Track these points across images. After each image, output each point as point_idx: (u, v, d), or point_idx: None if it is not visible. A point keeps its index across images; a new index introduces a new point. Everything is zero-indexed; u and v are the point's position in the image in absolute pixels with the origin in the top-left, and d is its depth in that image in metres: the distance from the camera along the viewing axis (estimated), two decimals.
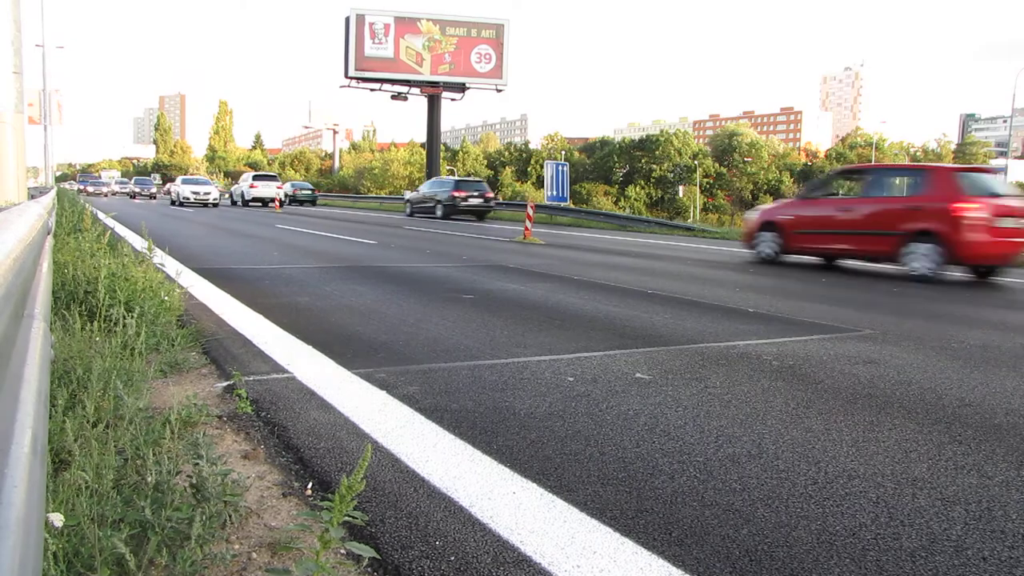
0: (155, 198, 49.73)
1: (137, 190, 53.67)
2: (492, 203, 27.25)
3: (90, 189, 55.53)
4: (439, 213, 26.18)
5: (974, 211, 9.42)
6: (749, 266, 11.17)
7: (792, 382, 3.80)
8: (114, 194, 57.83)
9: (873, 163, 18.75)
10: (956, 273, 10.17)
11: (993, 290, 9.22)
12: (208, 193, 34.62)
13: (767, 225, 11.86)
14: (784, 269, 10.69)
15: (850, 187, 11.95)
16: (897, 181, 11.17)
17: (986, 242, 9.45)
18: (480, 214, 26.51)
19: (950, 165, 13.15)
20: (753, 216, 12.47)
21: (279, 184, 37.48)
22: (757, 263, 11.49)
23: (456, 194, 26.15)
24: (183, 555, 1.75)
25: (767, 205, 13.61)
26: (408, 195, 30.64)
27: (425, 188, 28.82)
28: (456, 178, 31.05)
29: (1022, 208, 9.76)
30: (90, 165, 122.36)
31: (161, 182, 71.05)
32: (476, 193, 26.52)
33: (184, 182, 36.47)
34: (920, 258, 9.71)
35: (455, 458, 2.54)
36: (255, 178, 37.09)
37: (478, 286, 7.46)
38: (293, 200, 38.46)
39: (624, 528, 2.06)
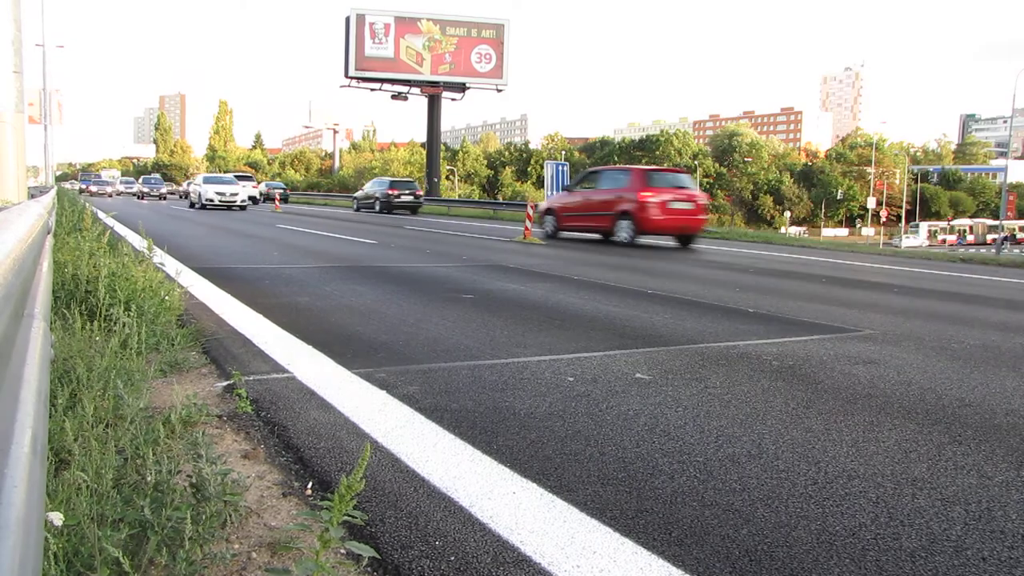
0: (165, 199, 45.74)
1: (145, 190, 48.71)
2: (421, 200, 32.41)
3: (93, 189, 50.63)
4: (377, 208, 31.18)
5: (651, 198, 13.89)
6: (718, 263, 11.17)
7: (792, 382, 3.80)
8: (119, 194, 52.98)
9: (604, 165, 28.57)
10: (663, 241, 14.84)
11: (688, 252, 13.56)
12: (236, 194, 29.55)
13: (548, 211, 16.62)
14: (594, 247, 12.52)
15: (591, 183, 16.18)
16: (614, 178, 15.51)
17: (661, 218, 13.90)
18: (412, 209, 31.38)
19: (644, 167, 17.71)
20: (542, 206, 17.42)
21: (254, 184, 43.10)
22: (620, 244, 14.25)
23: (391, 192, 31.28)
24: (183, 555, 1.75)
25: (552, 196, 18.63)
26: (356, 194, 35.83)
27: (368, 187, 34.12)
28: (391, 179, 35.49)
29: (689, 195, 14.36)
30: (90, 165, 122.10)
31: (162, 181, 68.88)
32: (408, 191, 31.85)
33: (207, 181, 31.29)
34: (623, 230, 14.17)
35: (455, 458, 2.54)
36: (237, 178, 39.88)
37: (478, 286, 7.46)
38: (267, 199, 42.86)
39: (624, 528, 2.06)
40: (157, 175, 65.57)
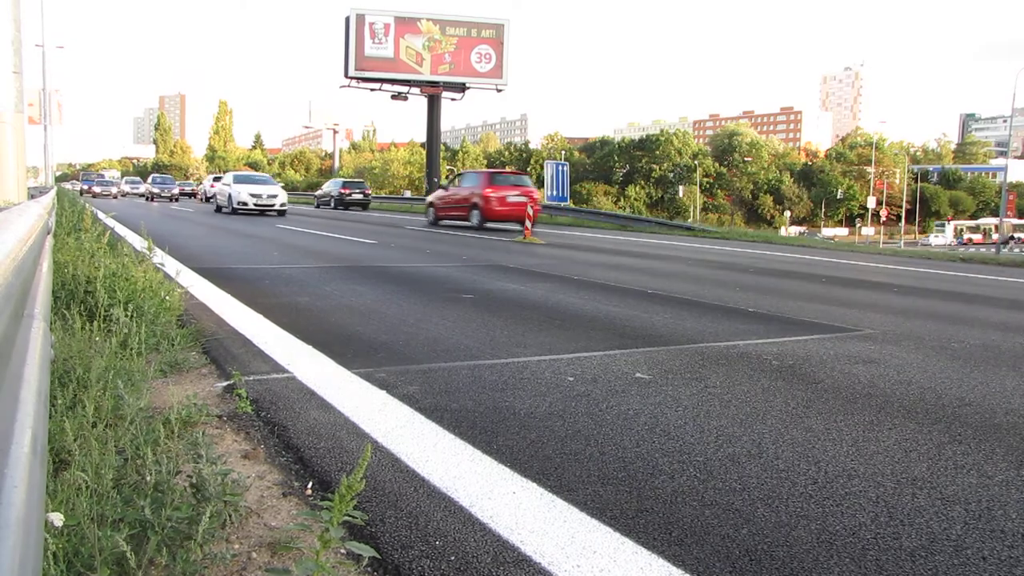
0: (177, 200, 41.06)
1: (156, 191, 42.78)
2: (370, 197, 36.25)
3: (96, 190, 46.13)
4: (332, 204, 34.49)
5: (493, 194, 18.55)
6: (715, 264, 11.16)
7: (792, 382, 3.80)
8: (124, 195, 47.91)
9: (467, 169, 32.91)
10: (507, 226, 19.00)
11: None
12: (275, 196, 24.56)
13: (430, 204, 21.63)
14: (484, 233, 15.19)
15: (457, 183, 21.01)
16: (471, 179, 20.32)
17: (500, 209, 18.45)
18: (363, 205, 34.70)
19: (491, 170, 23.59)
20: (426, 200, 22.88)
21: None
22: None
23: (343, 191, 34.72)
24: (183, 555, 1.75)
25: (433, 194, 22.51)
26: (316, 192, 40.09)
27: (325, 187, 37.90)
28: (344, 179, 39.95)
29: (525, 191, 18.60)
30: (90, 165, 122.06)
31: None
32: (358, 191, 35.41)
33: (239, 180, 26.04)
34: (474, 218, 18.94)
35: (455, 458, 2.54)
36: (214, 179, 41.83)
37: (478, 286, 7.46)
38: None
39: (624, 528, 2.06)
40: (168, 175, 59.52)
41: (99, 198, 40.04)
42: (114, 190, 47.89)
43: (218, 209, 26.11)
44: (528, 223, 15.88)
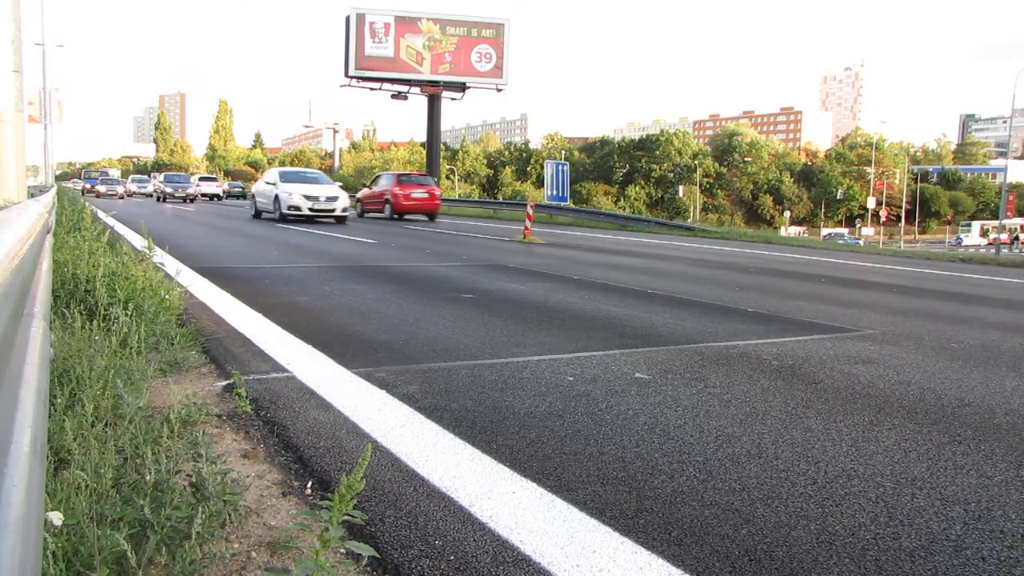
0: (193, 201, 36.94)
1: (169, 190, 37.60)
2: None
3: (101, 189, 42.03)
4: None
5: (400, 191, 23.24)
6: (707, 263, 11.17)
7: (791, 382, 3.80)
8: (131, 195, 43.74)
9: (385, 171, 38.05)
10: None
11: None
12: (334, 199, 19.54)
13: (358, 200, 25.25)
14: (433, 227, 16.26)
15: (376, 182, 25.52)
16: (385, 179, 24.90)
17: (407, 203, 23.23)
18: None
19: (400, 172, 29.54)
20: (357, 196, 25.77)
21: (218, 183, 47.69)
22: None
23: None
24: (182, 554, 1.75)
25: (362, 191, 26.20)
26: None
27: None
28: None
29: (428, 189, 23.83)
30: (90, 164, 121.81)
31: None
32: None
33: (288, 178, 20.41)
34: (386, 210, 23.55)
35: (455, 457, 2.54)
36: (201, 179, 44.43)
37: (478, 286, 7.46)
38: (229, 196, 47.15)
39: (623, 528, 2.06)
40: (183, 173, 53.67)
41: (103, 198, 37.20)
42: (120, 189, 43.47)
43: (257, 215, 20.91)
44: (528, 222, 15.89)
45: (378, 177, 26.39)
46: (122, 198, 39.45)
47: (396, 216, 23.29)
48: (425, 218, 23.70)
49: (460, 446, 2.66)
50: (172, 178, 40.86)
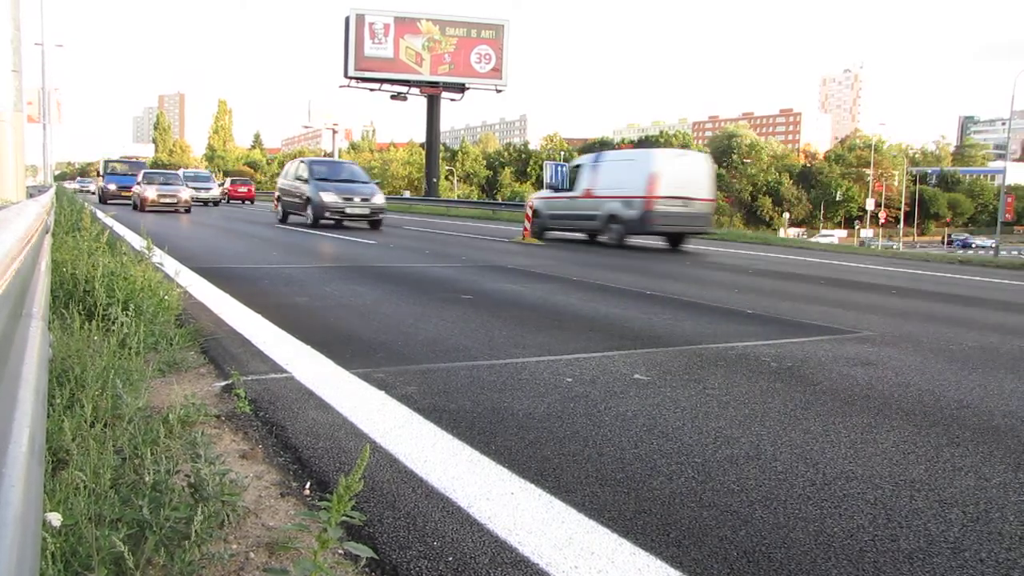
0: (217, 204, 33.17)
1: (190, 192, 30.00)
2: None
3: (149, 194, 25.78)
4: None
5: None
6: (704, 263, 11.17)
7: (790, 383, 3.80)
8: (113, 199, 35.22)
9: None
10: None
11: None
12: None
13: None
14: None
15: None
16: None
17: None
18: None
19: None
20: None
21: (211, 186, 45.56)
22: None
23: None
24: (181, 554, 1.75)
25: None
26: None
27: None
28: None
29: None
30: (89, 164, 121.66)
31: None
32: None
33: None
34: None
35: (453, 458, 2.54)
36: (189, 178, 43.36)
37: (477, 286, 7.46)
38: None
39: (622, 529, 2.06)
40: (206, 170, 48.89)
41: (154, 212, 27.18)
42: (185, 195, 30.58)
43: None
44: (527, 223, 15.89)
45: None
46: (188, 210, 24.37)
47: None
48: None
49: (459, 447, 2.66)
50: (190, 176, 34.62)
